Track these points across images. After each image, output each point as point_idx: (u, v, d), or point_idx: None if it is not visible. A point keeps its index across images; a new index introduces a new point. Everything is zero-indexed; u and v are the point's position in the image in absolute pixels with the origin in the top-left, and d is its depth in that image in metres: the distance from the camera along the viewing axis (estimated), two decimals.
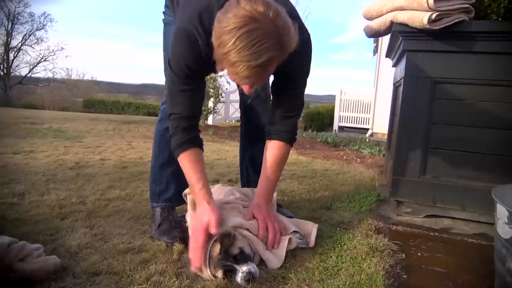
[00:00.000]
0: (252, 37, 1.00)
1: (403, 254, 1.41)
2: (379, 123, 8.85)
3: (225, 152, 4.35)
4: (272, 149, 1.44)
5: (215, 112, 8.67)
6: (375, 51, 11.44)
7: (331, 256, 1.34)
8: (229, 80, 13.34)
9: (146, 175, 2.66)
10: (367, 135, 8.71)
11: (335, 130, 10.02)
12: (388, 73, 8.39)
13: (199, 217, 1.27)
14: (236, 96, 10.37)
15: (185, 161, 1.33)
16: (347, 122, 10.28)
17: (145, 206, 1.86)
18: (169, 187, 1.59)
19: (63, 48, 31.24)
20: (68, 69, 31.09)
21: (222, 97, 8.43)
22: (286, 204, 1.99)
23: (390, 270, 1.26)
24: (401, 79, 2.04)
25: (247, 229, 1.30)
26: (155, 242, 1.41)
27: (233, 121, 10.42)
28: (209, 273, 1.16)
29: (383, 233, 1.57)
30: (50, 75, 26.63)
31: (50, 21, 29.20)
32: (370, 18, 1.98)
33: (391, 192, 1.91)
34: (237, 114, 10.52)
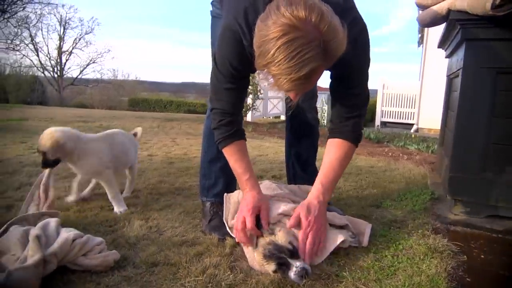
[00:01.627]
0: (292, 47, 0.92)
1: (465, 256, 1.33)
2: (426, 118, 8.42)
3: (266, 148, 4.35)
4: (334, 147, 1.36)
5: (254, 108, 8.71)
6: (420, 42, 10.87)
7: (386, 256, 1.29)
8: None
9: (192, 170, 2.74)
10: (412, 130, 8.33)
11: (377, 125, 9.68)
12: (435, 64, 7.97)
13: (246, 201, 1.28)
14: (274, 93, 10.36)
15: (230, 153, 1.35)
16: (389, 117, 9.89)
17: (194, 201, 1.91)
18: (218, 182, 1.61)
19: (109, 50, 33.24)
20: (114, 70, 32.88)
21: (261, 93, 8.45)
22: (334, 201, 1.95)
23: (452, 272, 1.19)
24: (458, 70, 1.91)
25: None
26: (207, 236, 1.44)
27: (271, 117, 10.42)
28: (259, 264, 1.16)
29: (441, 233, 1.49)
30: (98, 76, 28.33)
31: (98, 24, 31.07)
32: (424, 7, 1.87)
33: (447, 190, 1.80)
34: (276, 111, 10.49)
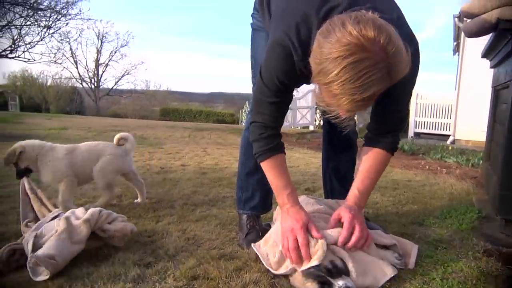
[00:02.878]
0: (358, 68, 0.89)
1: None
2: (463, 129, 8.04)
3: (296, 159, 4.31)
4: (370, 155, 1.33)
5: None
6: (456, 50, 10.46)
7: (434, 279, 1.22)
8: (297, 89, 13.33)
9: (224, 181, 2.75)
10: (448, 142, 7.97)
11: (411, 136, 9.35)
12: (473, 73, 7.62)
13: (294, 218, 1.23)
14: (303, 103, 10.33)
15: (269, 167, 1.32)
16: (424, 128, 9.53)
17: (230, 213, 1.91)
18: (255, 195, 1.60)
19: (143, 62, 34.53)
20: (147, 80, 34.07)
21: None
22: (372, 217, 1.88)
23: None
24: (507, 81, 1.80)
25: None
26: (244, 250, 1.42)
27: (299, 128, 10.36)
28: (300, 282, 1.13)
29: (494, 256, 1.39)
30: (132, 86, 29.50)
31: (132, 38, 32.44)
32: (472, 15, 1.79)
33: (497, 209, 1.69)
34: (304, 121, 10.44)
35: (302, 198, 1.59)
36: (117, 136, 2.08)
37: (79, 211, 1.49)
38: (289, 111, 9.12)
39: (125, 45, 32.57)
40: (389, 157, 1.35)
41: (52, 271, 1.16)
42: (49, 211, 1.57)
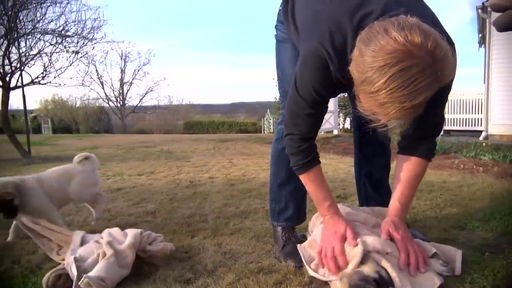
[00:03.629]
0: (407, 76, 0.87)
1: None
2: (496, 124, 7.69)
3: (323, 165, 4.17)
4: (408, 164, 1.29)
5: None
6: (481, 42, 10.06)
7: (484, 286, 1.16)
8: None
9: (254, 192, 2.75)
10: (481, 138, 7.63)
11: (441, 134, 9.03)
12: (502, 65, 7.31)
13: (332, 228, 1.26)
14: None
15: (309, 179, 1.32)
16: (453, 125, 9.19)
17: (263, 225, 1.91)
18: (288, 206, 1.59)
19: (164, 78, 35.68)
20: (169, 96, 34.99)
21: None
22: (410, 223, 1.82)
23: None
24: None
25: (387, 253, 1.20)
26: (282, 263, 1.41)
27: (323, 132, 10.25)
28: None
29: None
30: (155, 102, 30.33)
31: (153, 56, 33.45)
32: (500, 7, 1.72)
33: None
34: (328, 125, 10.31)
35: (341, 207, 1.56)
36: (77, 157, 2.09)
37: (116, 232, 1.51)
38: None
39: (147, 63, 33.79)
40: (427, 164, 1.31)
41: None
42: (65, 234, 1.56)
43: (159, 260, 1.46)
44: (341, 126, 11.46)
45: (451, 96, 9.15)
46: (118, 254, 1.35)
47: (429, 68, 0.88)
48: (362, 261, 1.14)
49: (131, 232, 1.47)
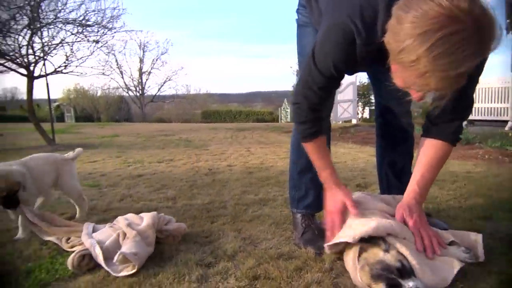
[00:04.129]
0: (452, 42, 0.83)
1: None
2: None
3: (342, 154, 4.21)
4: (431, 147, 1.27)
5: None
6: (509, 28, 9.56)
7: None
8: None
9: (272, 180, 2.75)
10: (507, 128, 7.33)
11: (464, 124, 8.75)
12: None
13: (332, 198, 1.33)
14: (344, 96, 10.07)
15: (314, 148, 1.35)
16: (477, 115, 8.86)
17: (282, 212, 1.91)
18: (308, 193, 1.58)
19: (182, 68, 36.00)
20: (187, 85, 35.08)
21: None
22: (433, 212, 1.78)
23: None
24: None
25: (404, 238, 1.18)
26: (302, 249, 1.41)
27: (341, 122, 10.11)
28: (366, 283, 1.09)
29: None
30: (173, 92, 30.65)
31: (171, 45, 33.65)
32: None
33: None
34: (346, 115, 10.16)
35: (357, 195, 1.54)
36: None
37: (131, 216, 1.59)
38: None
39: (165, 52, 34.05)
40: (451, 149, 1.28)
41: (138, 265, 1.27)
42: (71, 226, 1.61)
43: (176, 239, 1.55)
44: (359, 115, 11.26)
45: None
46: (141, 234, 1.41)
47: (475, 36, 0.84)
48: (384, 248, 1.12)
49: (148, 215, 1.55)
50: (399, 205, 1.28)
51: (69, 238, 1.54)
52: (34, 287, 1.22)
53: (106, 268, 1.29)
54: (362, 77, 11.92)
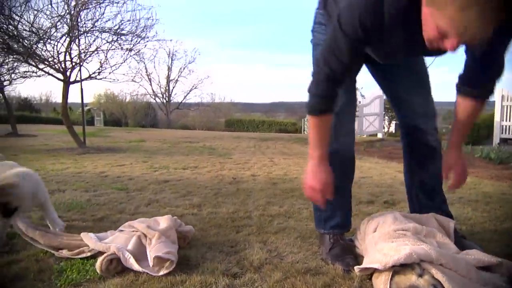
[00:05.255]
0: None
1: None
2: None
3: (368, 169, 4.13)
4: (464, 105, 1.35)
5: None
6: None
7: None
8: (363, 93, 12.73)
9: (296, 192, 2.73)
10: None
11: (497, 143, 8.39)
12: None
13: (316, 175, 1.33)
14: (370, 109, 9.91)
15: (316, 123, 1.31)
16: (511, 133, 8.48)
17: (307, 225, 1.89)
18: (335, 214, 1.53)
19: (208, 76, 36.38)
20: (212, 93, 35.62)
21: (357, 111, 8.15)
22: (466, 235, 1.71)
23: None
24: None
25: (441, 264, 1.13)
26: (329, 265, 1.39)
27: (366, 136, 9.93)
28: None
29: None
30: (198, 100, 31.15)
31: (199, 54, 34.37)
32: None
33: None
34: (372, 128, 9.97)
35: (390, 215, 1.49)
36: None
37: (145, 220, 1.62)
38: (355, 118, 8.82)
39: (193, 61, 34.70)
40: (482, 104, 1.34)
41: (175, 262, 1.34)
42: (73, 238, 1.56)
43: (186, 241, 1.63)
44: (386, 129, 11.02)
45: (509, 102, 8.48)
46: (164, 234, 1.47)
47: None
48: (418, 272, 1.08)
49: (164, 217, 1.62)
50: (448, 157, 1.43)
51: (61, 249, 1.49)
52: (66, 287, 1.26)
53: (143, 270, 1.31)
54: None
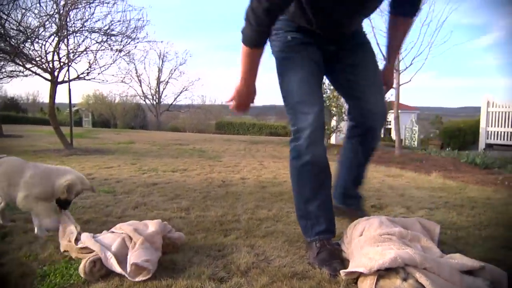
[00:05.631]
0: None
1: None
2: None
3: None
4: (397, 24, 1.65)
5: (339, 130, 8.52)
6: None
7: None
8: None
9: (285, 196, 2.73)
10: None
11: (482, 148, 8.56)
12: None
13: (246, 87, 1.49)
14: None
15: (249, 54, 1.41)
16: (497, 139, 8.67)
17: (295, 229, 1.89)
18: (319, 220, 1.54)
19: (199, 78, 36.46)
20: (203, 96, 35.75)
21: (346, 115, 8.23)
22: (451, 239, 1.74)
23: None
24: None
25: (425, 269, 1.15)
26: (316, 270, 1.39)
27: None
28: None
29: None
30: (189, 102, 31.07)
31: (190, 56, 34.23)
32: None
33: None
34: None
35: (376, 220, 1.50)
36: None
37: (134, 223, 1.61)
38: (345, 122, 8.92)
39: (183, 63, 34.59)
40: (411, 21, 1.65)
41: (152, 271, 1.30)
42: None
43: (176, 248, 1.58)
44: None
45: (496, 108, 8.69)
46: (148, 240, 1.44)
47: None
48: (402, 276, 1.09)
49: (153, 222, 1.59)
50: (385, 69, 1.80)
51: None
52: None
53: (121, 271, 1.29)
54: None
